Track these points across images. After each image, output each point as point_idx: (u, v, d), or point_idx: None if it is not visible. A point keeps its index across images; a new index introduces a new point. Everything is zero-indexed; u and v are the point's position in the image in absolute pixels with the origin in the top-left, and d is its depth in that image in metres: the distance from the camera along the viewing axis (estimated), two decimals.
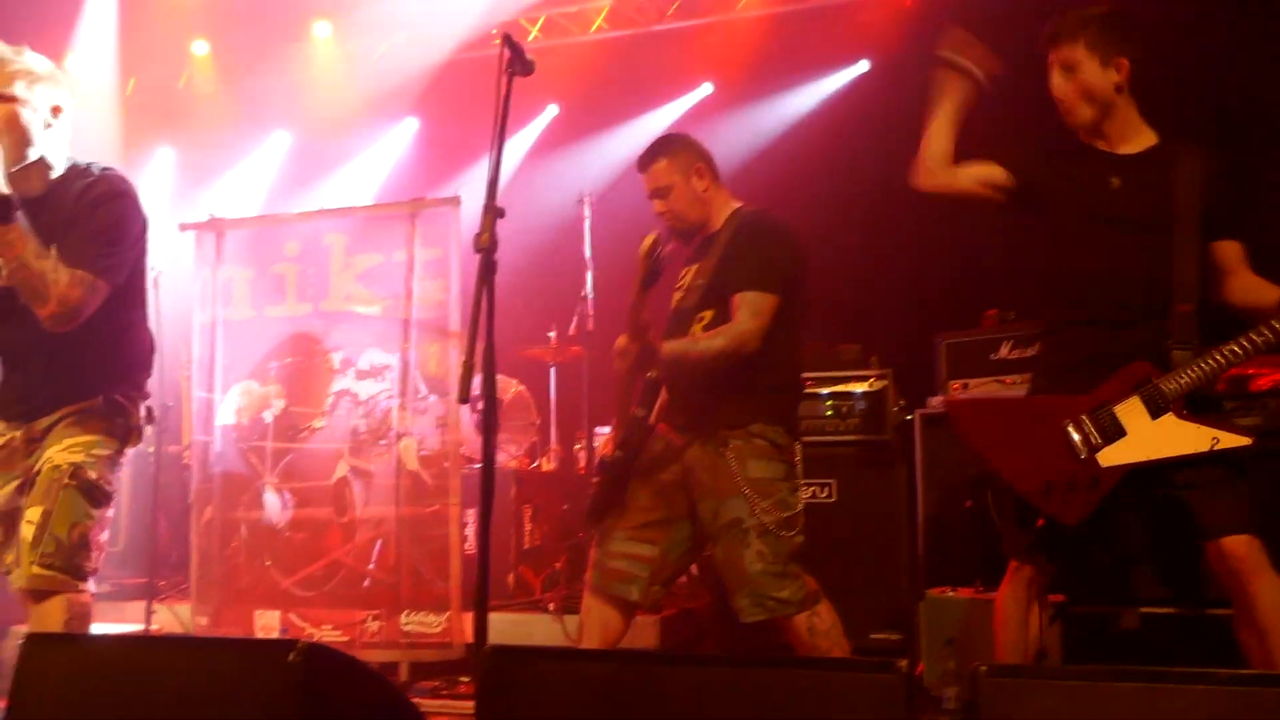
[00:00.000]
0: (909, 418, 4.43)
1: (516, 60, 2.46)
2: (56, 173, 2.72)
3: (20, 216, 2.50)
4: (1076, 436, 2.59)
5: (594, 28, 7.04)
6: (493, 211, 2.30)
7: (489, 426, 2.24)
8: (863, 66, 6.56)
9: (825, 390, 4.48)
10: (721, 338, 2.96)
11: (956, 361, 4.55)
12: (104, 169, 2.78)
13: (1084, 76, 2.70)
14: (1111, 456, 2.57)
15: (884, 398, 4.43)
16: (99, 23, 6.74)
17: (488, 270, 2.22)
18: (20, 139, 2.60)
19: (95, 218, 2.63)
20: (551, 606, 4.47)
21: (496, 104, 2.39)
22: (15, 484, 2.74)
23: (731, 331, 2.95)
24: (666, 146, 3.21)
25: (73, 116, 2.73)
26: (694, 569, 4.58)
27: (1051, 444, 2.61)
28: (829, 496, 4.35)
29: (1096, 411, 2.60)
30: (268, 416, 4.72)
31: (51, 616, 2.62)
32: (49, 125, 2.68)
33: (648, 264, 2.87)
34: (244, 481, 4.76)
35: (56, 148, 2.71)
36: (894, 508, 4.31)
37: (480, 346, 2.18)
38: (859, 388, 4.47)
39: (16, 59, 2.64)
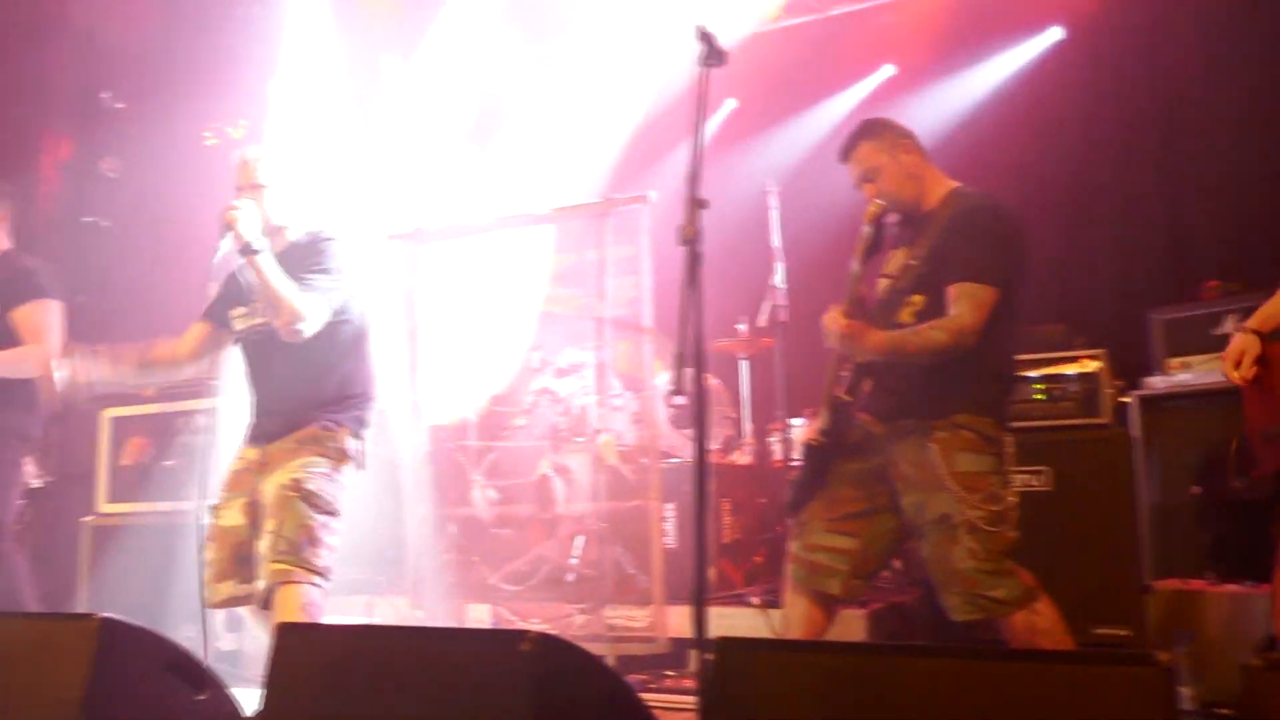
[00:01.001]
0: (1126, 400, 4.19)
1: (711, 52, 2.46)
2: (293, 235, 3.43)
3: (266, 253, 3.18)
4: None
5: (772, 16, 6.96)
6: (695, 203, 2.30)
7: (701, 421, 2.23)
8: (1055, 34, 6.24)
9: (1034, 373, 4.25)
10: (942, 332, 2.84)
11: (1174, 338, 4.27)
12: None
13: None
14: None
15: (1098, 379, 4.19)
16: (312, 43, 7.07)
17: (694, 262, 2.22)
18: (285, 213, 3.37)
19: (315, 258, 3.31)
20: (756, 600, 4.45)
21: (694, 96, 2.39)
22: (244, 501, 3.29)
23: (952, 326, 2.83)
24: (867, 130, 3.12)
25: (305, 195, 3.50)
26: (896, 562, 4.47)
27: None
28: (1043, 485, 4.13)
29: None
30: (472, 416, 4.89)
31: (287, 603, 3.06)
32: (288, 204, 3.41)
33: (872, 231, 2.79)
34: (452, 480, 4.95)
35: (295, 219, 3.44)
36: (1114, 495, 4.04)
37: (690, 338, 2.18)
38: (1071, 369, 4.23)
39: (266, 156, 3.40)
